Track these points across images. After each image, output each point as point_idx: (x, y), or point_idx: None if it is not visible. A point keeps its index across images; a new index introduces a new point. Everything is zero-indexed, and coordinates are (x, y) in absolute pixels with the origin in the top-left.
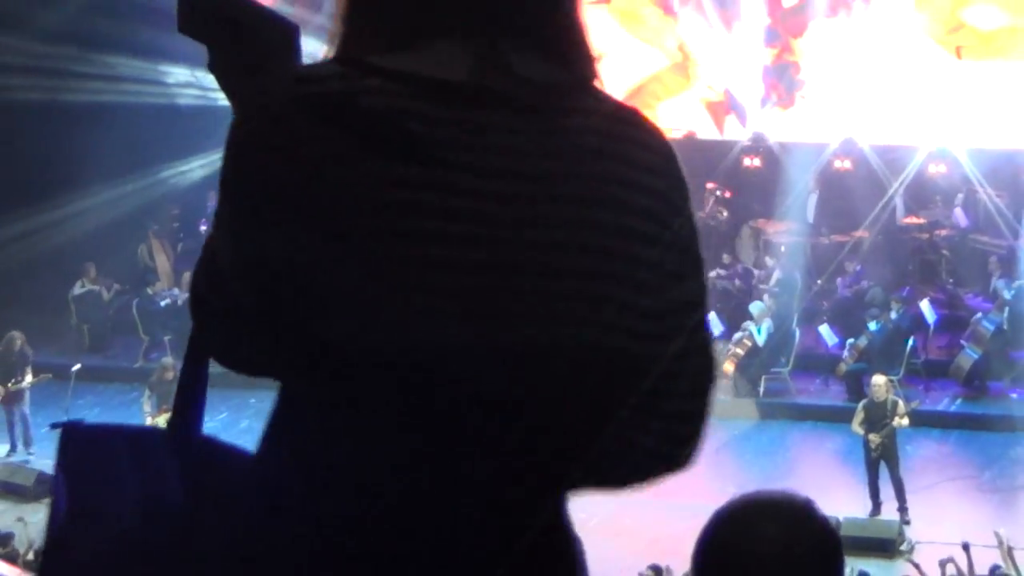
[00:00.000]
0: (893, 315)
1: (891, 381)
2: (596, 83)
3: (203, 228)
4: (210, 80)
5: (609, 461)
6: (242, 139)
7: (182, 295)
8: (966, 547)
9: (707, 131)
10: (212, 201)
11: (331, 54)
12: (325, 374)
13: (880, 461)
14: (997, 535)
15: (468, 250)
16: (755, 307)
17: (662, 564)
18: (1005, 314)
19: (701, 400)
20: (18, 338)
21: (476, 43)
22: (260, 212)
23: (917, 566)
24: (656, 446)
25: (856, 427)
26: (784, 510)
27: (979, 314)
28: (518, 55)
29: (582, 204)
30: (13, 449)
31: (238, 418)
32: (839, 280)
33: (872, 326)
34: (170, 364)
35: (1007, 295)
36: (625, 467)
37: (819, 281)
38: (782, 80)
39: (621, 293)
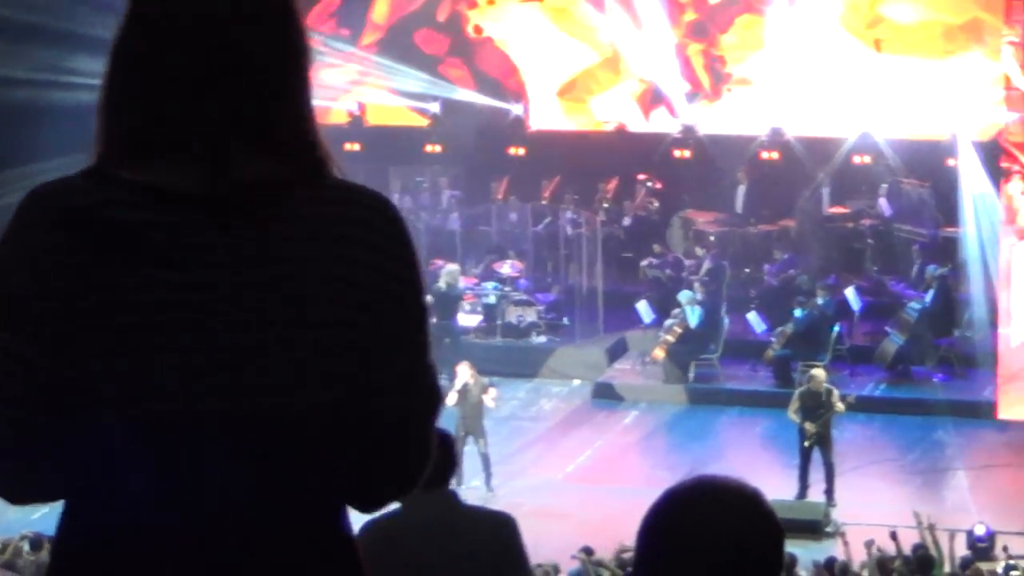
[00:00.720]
0: (819, 302)
1: (824, 369)
2: (323, 172)
3: None
4: None
5: (347, 487)
6: (9, 230)
7: None
8: (893, 535)
9: (638, 124)
10: None
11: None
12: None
13: (813, 448)
14: (916, 516)
15: (188, 333)
16: (683, 295)
17: (592, 546)
18: (928, 300)
19: (417, 454)
20: None
21: (205, 153)
22: (13, 312)
23: (843, 536)
24: (379, 480)
25: (792, 414)
26: (734, 497)
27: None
28: (243, 159)
29: (293, 283)
30: None
31: None
32: (767, 268)
33: (798, 313)
34: None
35: (928, 282)
36: (360, 494)
37: (747, 269)
38: (709, 74)
39: (332, 359)
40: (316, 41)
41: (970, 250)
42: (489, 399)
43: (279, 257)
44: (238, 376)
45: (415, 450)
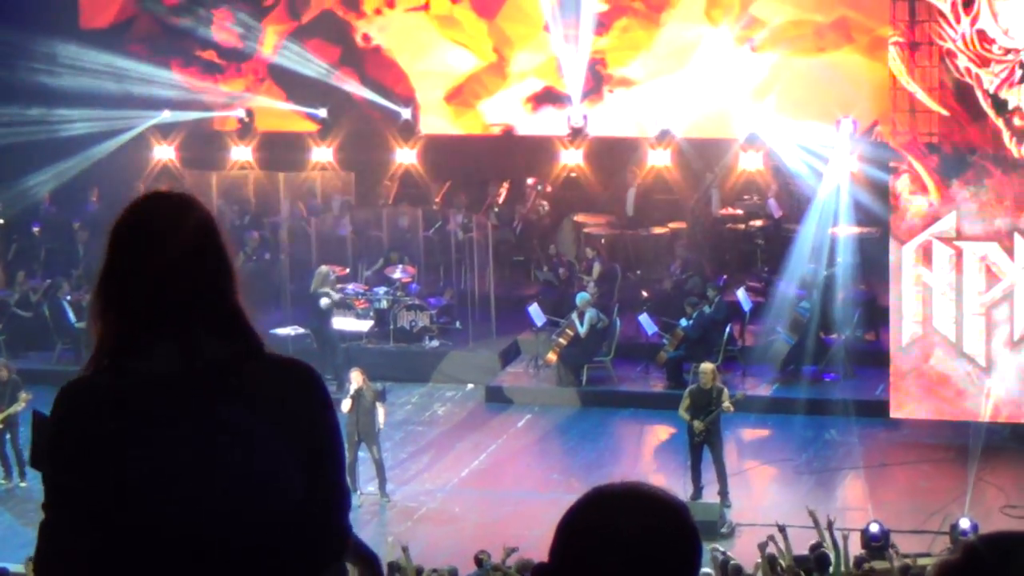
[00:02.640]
0: (711, 304)
1: (717, 368)
2: (262, 348)
3: (35, 229)
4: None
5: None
6: (52, 426)
7: (13, 295)
8: (782, 529)
9: (527, 127)
10: (46, 204)
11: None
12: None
13: (703, 446)
14: (812, 514)
15: (184, 474)
16: (580, 298)
17: (488, 549)
18: (817, 300)
19: (340, 532)
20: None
21: (180, 344)
22: (63, 464)
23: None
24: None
25: (682, 412)
26: (660, 505)
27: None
28: (207, 345)
29: (251, 433)
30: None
31: None
32: (658, 270)
33: (687, 316)
34: (2, 363)
35: (819, 282)
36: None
37: (639, 272)
38: (590, 75)
39: (283, 481)
40: (212, 54)
41: (859, 249)
42: (380, 416)
43: (240, 413)
44: (223, 501)
45: (339, 531)
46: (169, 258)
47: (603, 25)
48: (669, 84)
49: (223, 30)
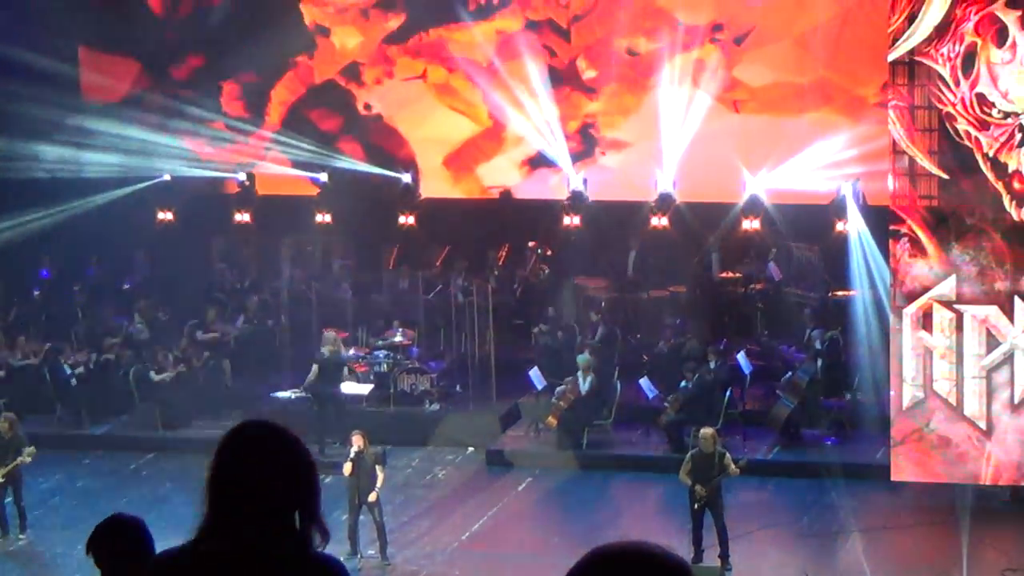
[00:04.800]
0: (711, 367)
1: (717, 432)
2: (308, 547)
3: (36, 293)
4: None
5: None
6: None
7: (12, 356)
8: None
9: (525, 190)
10: (45, 267)
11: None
12: None
13: (705, 509)
14: None
15: None
16: (581, 359)
17: None
18: (818, 364)
19: None
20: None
21: (239, 539)
22: None
23: None
24: None
25: (683, 476)
26: (660, 564)
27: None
28: (262, 541)
29: None
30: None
31: (73, 477)
32: (658, 334)
33: (687, 380)
34: (8, 418)
35: (818, 345)
36: None
37: (639, 335)
38: (583, 139)
39: None
40: (220, 124)
41: (859, 313)
42: (379, 480)
43: None
44: None
45: None
46: (248, 476)
47: (593, 90)
48: (661, 147)
49: (231, 101)
